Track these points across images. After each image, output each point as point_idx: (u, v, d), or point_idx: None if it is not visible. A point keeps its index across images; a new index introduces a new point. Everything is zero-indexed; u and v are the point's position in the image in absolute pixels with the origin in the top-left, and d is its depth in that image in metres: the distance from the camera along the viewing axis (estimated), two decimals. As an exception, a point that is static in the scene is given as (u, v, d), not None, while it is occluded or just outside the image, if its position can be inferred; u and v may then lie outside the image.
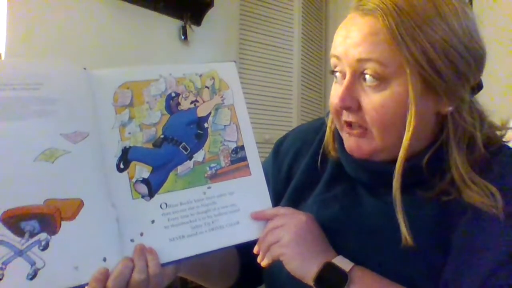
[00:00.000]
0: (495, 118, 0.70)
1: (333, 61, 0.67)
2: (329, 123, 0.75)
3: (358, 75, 0.63)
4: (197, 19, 2.32)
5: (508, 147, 0.68)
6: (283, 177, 0.80)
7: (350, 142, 0.67)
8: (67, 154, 0.58)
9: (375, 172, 0.68)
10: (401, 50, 0.59)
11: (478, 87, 0.67)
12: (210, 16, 2.37)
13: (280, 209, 0.68)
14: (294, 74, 2.85)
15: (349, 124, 0.66)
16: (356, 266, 0.62)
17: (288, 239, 0.63)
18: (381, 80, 0.61)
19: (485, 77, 0.68)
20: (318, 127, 0.81)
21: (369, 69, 0.61)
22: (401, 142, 0.62)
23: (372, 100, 0.62)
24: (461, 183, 0.63)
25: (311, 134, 0.81)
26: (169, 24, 2.23)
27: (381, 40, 0.60)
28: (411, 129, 0.61)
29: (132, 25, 2.08)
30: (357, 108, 0.64)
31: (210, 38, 2.41)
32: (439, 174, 0.65)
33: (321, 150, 0.76)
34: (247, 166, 0.67)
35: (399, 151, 0.62)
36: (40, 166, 0.56)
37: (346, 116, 0.66)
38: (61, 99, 0.60)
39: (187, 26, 2.26)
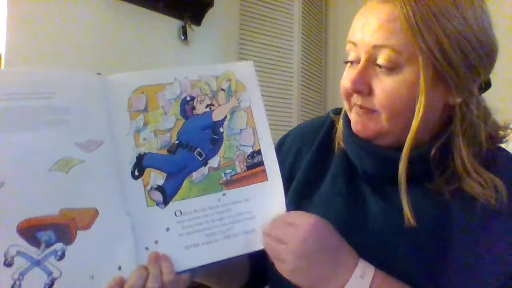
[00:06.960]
0: (499, 119, 0.71)
1: (348, 47, 0.67)
2: (342, 114, 0.75)
3: (372, 60, 0.64)
4: (197, 19, 2.32)
5: (504, 149, 0.70)
6: (285, 176, 0.77)
7: (357, 122, 0.67)
8: (81, 164, 0.57)
9: (380, 159, 0.68)
10: (416, 38, 0.59)
11: (486, 85, 0.68)
12: (210, 16, 2.36)
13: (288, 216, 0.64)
14: (294, 74, 2.85)
15: (359, 105, 0.67)
16: (374, 280, 0.59)
17: (292, 248, 0.59)
18: (394, 67, 0.62)
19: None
20: (320, 123, 0.81)
21: (384, 55, 0.62)
22: (408, 129, 0.63)
23: (384, 84, 0.63)
24: (463, 173, 0.64)
25: (312, 131, 0.81)
26: (169, 24, 2.22)
27: (398, 27, 0.60)
28: (419, 117, 0.61)
29: (132, 25, 2.07)
30: (368, 92, 0.64)
31: (210, 38, 2.41)
32: (443, 164, 0.65)
33: (324, 146, 0.76)
34: (264, 171, 0.66)
35: (405, 138, 0.63)
36: (55, 176, 0.56)
37: (356, 100, 0.66)
38: (74, 107, 0.59)
39: (187, 26, 2.25)
